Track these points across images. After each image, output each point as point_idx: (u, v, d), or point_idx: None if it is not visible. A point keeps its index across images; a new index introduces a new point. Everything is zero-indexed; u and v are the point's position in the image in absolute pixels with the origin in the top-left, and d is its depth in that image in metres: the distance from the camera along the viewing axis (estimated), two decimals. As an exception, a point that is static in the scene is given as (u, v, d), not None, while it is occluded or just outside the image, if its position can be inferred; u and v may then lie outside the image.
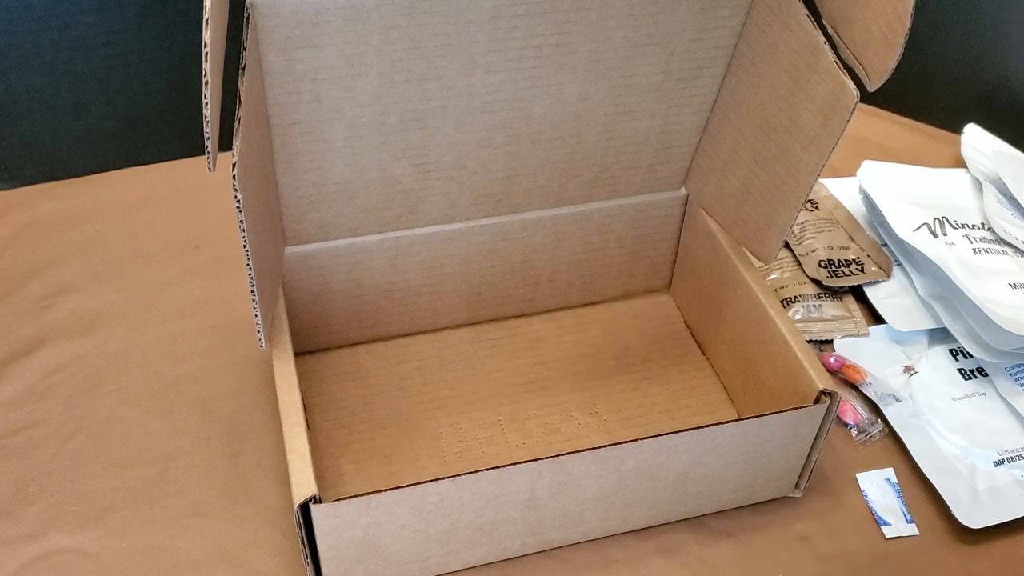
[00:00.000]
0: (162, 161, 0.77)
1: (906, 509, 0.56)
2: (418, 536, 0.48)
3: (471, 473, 0.46)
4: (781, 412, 0.50)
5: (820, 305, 0.67)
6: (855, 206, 0.75)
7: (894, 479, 0.58)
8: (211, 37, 0.38)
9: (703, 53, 0.54)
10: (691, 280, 0.65)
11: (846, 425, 0.61)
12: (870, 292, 0.68)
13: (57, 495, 0.55)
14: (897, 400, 0.61)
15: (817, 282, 0.68)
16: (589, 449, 0.47)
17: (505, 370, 0.62)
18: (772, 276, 0.69)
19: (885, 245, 0.72)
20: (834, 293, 0.68)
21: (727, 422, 0.49)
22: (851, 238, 0.72)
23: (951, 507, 0.55)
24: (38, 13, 0.74)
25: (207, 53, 0.38)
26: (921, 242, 0.68)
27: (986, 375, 0.63)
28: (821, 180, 0.76)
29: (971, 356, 0.64)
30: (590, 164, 0.59)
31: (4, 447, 0.57)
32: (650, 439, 0.48)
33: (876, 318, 0.67)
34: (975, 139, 0.80)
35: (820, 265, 0.69)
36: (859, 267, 0.69)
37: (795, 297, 0.67)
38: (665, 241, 0.66)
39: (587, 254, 0.64)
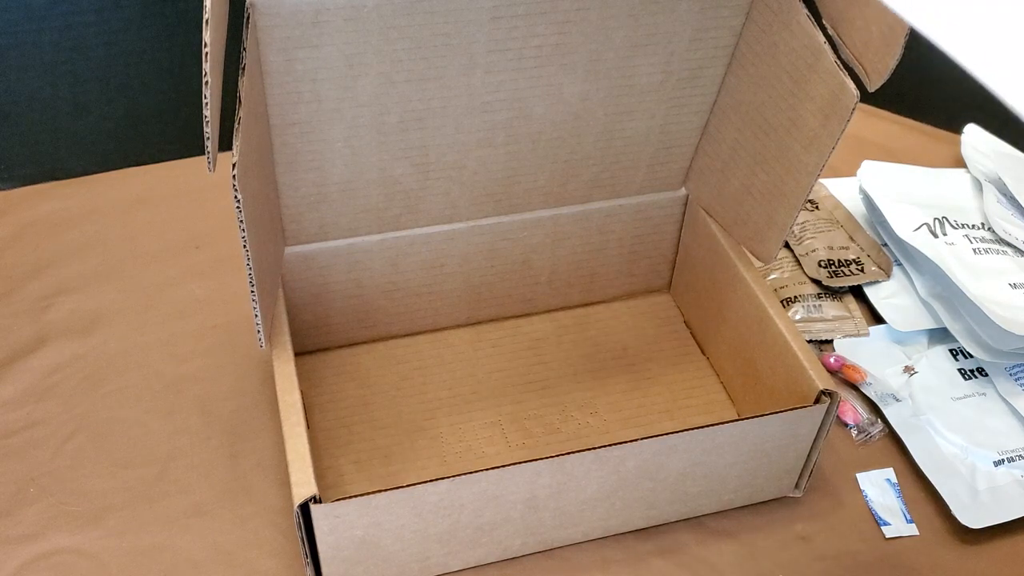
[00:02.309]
0: (162, 161, 0.77)
1: (906, 509, 0.56)
2: (418, 536, 0.48)
3: (471, 473, 0.46)
4: (781, 412, 0.50)
5: (820, 305, 0.67)
6: (855, 206, 0.75)
7: (894, 479, 0.58)
8: (211, 37, 0.38)
9: (703, 53, 0.54)
10: (691, 280, 0.65)
11: (846, 425, 0.61)
12: (870, 292, 0.68)
13: (57, 495, 0.55)
14: (897, 400, 0.61)
15: (817, 282, 0.68)
16: (589, 449, 0.47)
17: (505, 370, 0.62)
18: (772, 276, 0.69)
19: (885, 245, 0.72)
20: (834, 293, 0.68)
21: (727, 422, 0.49)
22: (851, 238, 0.72)
23: (951, 507, 0.55)
24: (38, 13, 0.75)
25: (207, 53, 0.38)
26: (921, 242, 0.68)
27: (986, 375, 0.63)
28: (821, 180, 0.76)
29: (971, 356, 0.64)
30: (590, 164, 0.59)
31: (4, 447, 0.57)
32: (650, 439, 0.48)
33: (876, 318, 0.67)
34: (975, 139, 0.80)
35: (820, 265, 0.69)
36: (859, 267, 0.69)
37: (795, 297, 0.67)
38: (665, 241, 0.66)
39: (587, 254, 0.64)
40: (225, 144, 0.42)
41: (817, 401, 0.51)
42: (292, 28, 0.46)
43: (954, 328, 0.64)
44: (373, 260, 0.59)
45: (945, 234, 0.70)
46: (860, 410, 0.61)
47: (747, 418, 0.50)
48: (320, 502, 0.44)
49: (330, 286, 0.60)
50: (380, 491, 0.45)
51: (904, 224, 0.70)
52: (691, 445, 0.50)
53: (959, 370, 0.64)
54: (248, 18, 0.44)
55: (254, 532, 0.53)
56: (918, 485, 0.58)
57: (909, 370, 0.63)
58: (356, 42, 0.47)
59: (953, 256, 0.68)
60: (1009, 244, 0.70)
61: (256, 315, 0.48)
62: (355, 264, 0.59)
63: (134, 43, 0.78)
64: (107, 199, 0.73)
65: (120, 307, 0.65)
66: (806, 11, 0.49)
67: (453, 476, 0.46)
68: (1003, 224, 0.71)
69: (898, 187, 0.74)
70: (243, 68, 0.43)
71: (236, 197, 0.42)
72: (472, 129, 0.54)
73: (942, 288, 0.66)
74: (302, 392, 0.49)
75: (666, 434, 0.48)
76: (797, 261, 0.70)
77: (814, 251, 0.70)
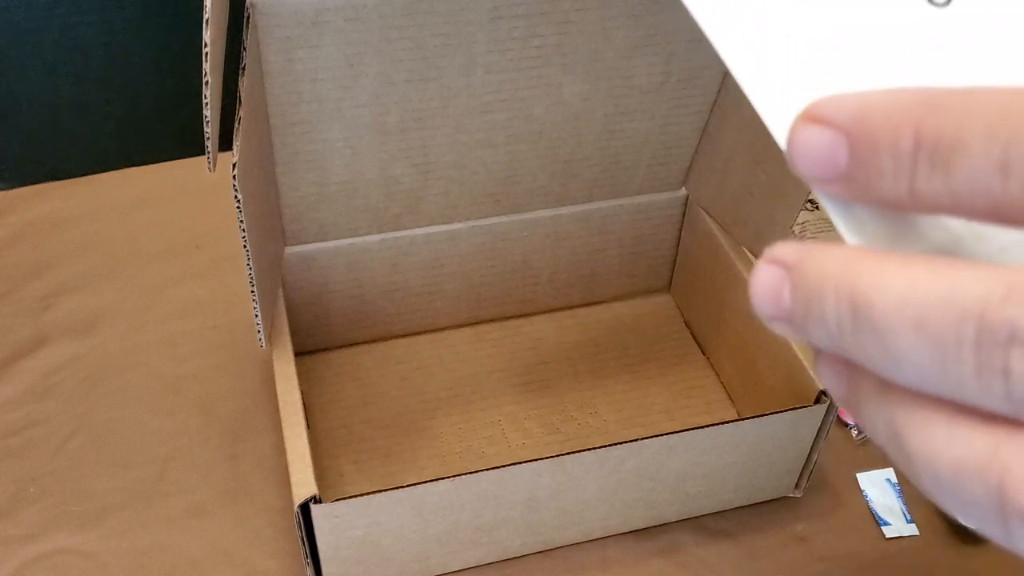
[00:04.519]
0: (162, 161, 0.77)
1: (906, 509, 0.56)
2: (418, 536, 0.48)
3: (471, 473, 0.46)
4: (781, 412, 0.50)
5: (820, 305, 0.67)
6: (855, 206, 0.75)
7: (894, 479, 0.58)
8: (211, 37, 0.38)
9: (703, 53, 0.54)
10: (691, 280, 0.65)
11: (846, 425, 0.61)
12: (870, 292, 0.68)
13: (57, 495, 0.55)
14: (897, 400, 0.61)
15: (817, 282, 0.68)
16: (589, 449, 0.47)
17: (505, 370, 0.62)
18: (772, 276, 0.69)
19: (885, 245, 0.72)
20: (834, 293, 0.68)
21: (727, 422, 0.49)
22: (851, 238, 0.71)
23: (951, 507, 0.55)
24: (38, 13, 0.75)
25: (207, 53, 0.38)
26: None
27: (986, 375, 0.63)
28: (821, 180, 0.76)
29: (971, 356, 0.64)
30: (590, 164, 0.59)
31: (4, 447, 0.57)
32: (650, 439, 0.48)
33: (876, 318, 0.67)
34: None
35: (820, 265, 0.69)
36: (859, 267, 0.69)
37: (795, 297, 0.67)
38: (665, 241, 0.66)
39: (587, 254, 0.64)
40: (225, 144, 0.42)
41: (817, 401, 0.51)
42: (292, 28, 0.46)
43: (954, 328, 0.64)
44: (373, 260, 0.59)
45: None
46: (860, 410, 0.61)
47: (747, 418, 0.50)
48: (320, 502, 0.44)
49: (330, 286, 0.60)
50: (380, 491, 0.45)
51: (904, 224, 0.70)
52: (691, 445, 0.50)
53: (959, 370, 0.64)
54: (248, 18, 0.44)
55: (254, 532, 0.53)
56: (918, 485, 0.58)
57: (909, 370, 0.63)
58: (356, 42, 0.47)
59: (953, 256, 0.68)
60: (1009, 244, 0.70)
61: (256, 315, 0.48)
62: (355, 264, 0.59)
63: (134, 43, 0.78)
64: (107, 199, 0.73)
65: (120, 307, 0.65)
66: (806, 11, 0.49)
67: (453, 476, 0.46)
68: (1003, 224, 0.71)
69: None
70: (243, 68, 0.43)
71: (236, 197, 0.42)
72: (472, 129, 0.54)
73: (942, 288, 0.66)
74: (302, 392, 0.49)
75: (666, 434, 0.48)
76: (797, 261, 0.70)
77: (814, 251, 0.70)
